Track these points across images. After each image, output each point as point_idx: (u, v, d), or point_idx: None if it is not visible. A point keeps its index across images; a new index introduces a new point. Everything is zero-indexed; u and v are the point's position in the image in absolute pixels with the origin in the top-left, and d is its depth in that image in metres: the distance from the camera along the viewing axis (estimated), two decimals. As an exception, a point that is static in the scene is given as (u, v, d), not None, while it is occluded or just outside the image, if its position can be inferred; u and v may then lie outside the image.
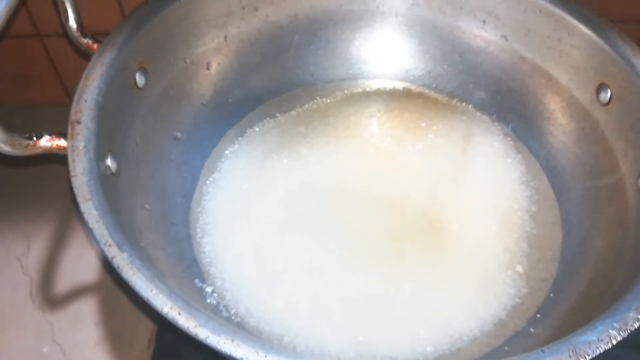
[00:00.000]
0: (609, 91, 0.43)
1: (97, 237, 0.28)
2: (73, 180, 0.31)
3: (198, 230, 0.44)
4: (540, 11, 0.47)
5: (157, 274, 0.28)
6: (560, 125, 0.48)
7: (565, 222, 0.44)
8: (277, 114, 0.52)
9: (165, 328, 0.45)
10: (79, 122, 0.33)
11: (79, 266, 0.50)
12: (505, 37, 0.50)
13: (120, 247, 0.28)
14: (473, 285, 0.41)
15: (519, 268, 0.42)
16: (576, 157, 0.46)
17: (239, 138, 0.50)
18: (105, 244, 0.28)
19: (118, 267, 0.27)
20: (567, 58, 0.46)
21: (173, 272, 0.38)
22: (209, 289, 0.40)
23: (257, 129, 0.51)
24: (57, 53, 0.57)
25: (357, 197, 0.46)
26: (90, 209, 0.29)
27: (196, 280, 0.40)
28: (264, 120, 0.52)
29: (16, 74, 0.59)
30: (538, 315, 0.38)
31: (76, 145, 0.32)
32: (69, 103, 0.62)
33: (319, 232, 0.44)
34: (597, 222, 0.41)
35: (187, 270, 0.40)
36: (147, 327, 0.46)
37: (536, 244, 0.43)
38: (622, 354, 0.41)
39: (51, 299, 0.48)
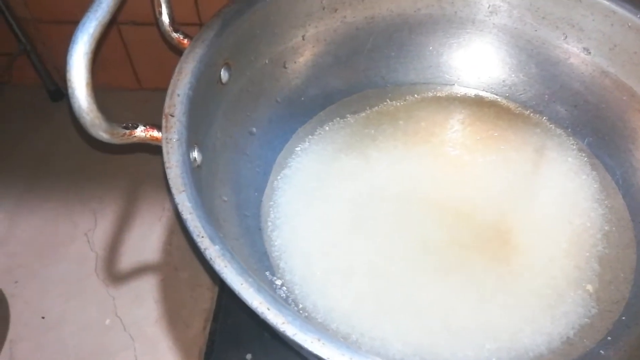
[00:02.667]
0: (698, 113, 0.41)
1: (191, 228, 0.29)
2: (168, 171, 0.32)
3: (269, 223, 0.45)
4: (629, 26, 0.45)
5: (246, 268, 0.29)
6: (640, 144, 0.46)
7: (640, 244, 0.43)
8: (347, 115, 0.53)
9: (224, 313, 0.46)
10: (172, 115, 0.35)
11: (141, 246, 0.52)
12: (587, 50, 0.49)
13: (212, 240, 0.29)
14: (540, 301, 0.41)
15: (589, 287, 0.41)
16: (656, 178, 0.44)
17: (310, 136, 0.51)
18: (198, 236, 0.29)
19: (210, 258, 0.28)
20: (654, 76, 0.45)
21: (247, 263, 0.39)
22: (278, 282, 0.41)
23: (327, 128, 0.52)
24: (131, 41, 0.60)
25: (425, 203, 0.46)
26: (184, 200, 0.30)
27: (267, 273, 0.41)
28: (334, 120, 0.52)
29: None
30: (609, 338, 0.38)
31: (170, 137, 0.34)
32: (138, 88, 0.65)
33: (386, 236, 0.45)
34: (676, 247, 0.40)
35: (259, 262, 0.41)
36: (203, 308, 0.48)
37: (608, 264, 0.43)
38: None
39: (114, 274, 0.50)
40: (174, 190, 0.31)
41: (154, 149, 0.35)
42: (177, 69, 0.38)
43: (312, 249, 0.44)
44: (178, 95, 0.36)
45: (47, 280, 0.50)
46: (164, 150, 0.33)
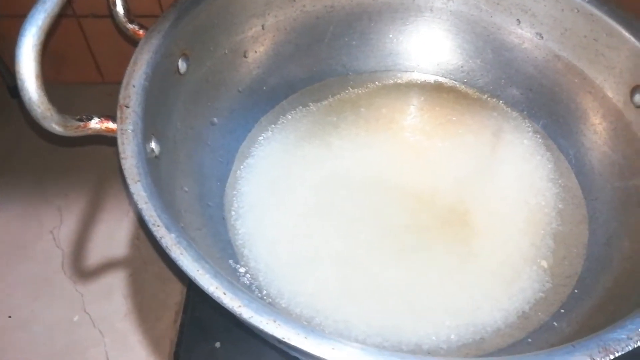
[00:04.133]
0: (644, 93, 0.43)
1: (146, 217, 0.29)
2: (123, 162, 0.32)
3: (232, 213, 0.45)
4: (578, 11, 0.47)
5: (202, 254, 0.29)
6: (591, 125, 0.48)
7: (591, 221, 0.44)
8: (310, 103, 0.53)
9: (193, 305, 0.47)
10: (127, 106, 0.35)
11: (109, 241, 0.52)
12: (540, 35, 0.50)
13: (168, 228, 0.29)
14: (498, 279, 0.42)
15: (544, 263, 0.43)
16: (606, 156, 0.46)
17: (272, 125, 0.51)
18: (154, 225, 0.29)
19: (166, 247, 0.29)
20: (602, 58, 0.47)
21: (209, 252, 0.39)
22: (242, 270, 0.42)
23: (289, 117, 0.52)
24: (93, 34, 0.59)
25: (386, 188, 0.47)
26: (139, 190, 0.31)
27: (230, 261, 0.41)
28: (297, 109, 0.53)
29: (52, 54, 0.60)
30: (562, 310, 0.39)
31: (125, 128, 0.34)
32: (101, 82, 0.64)
33: (348, 221, 0.45)
34: (625, 222, 0.42)
35: (222, 251, 0.42)
36: (174, 301, 0.48)
37: (562, 241, 0.44)
38: None
39: (82, 271, 0.50)
40: (129, 180, 0.31)
41: (113, 141, 0.35)
42: (132, 60, 0.38)
43: (276, 236, 0.44)
44: (133, 86, 0.36)
45: (14, 280, 0.49)
46: (119, 141, 0.33)
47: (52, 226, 0.53)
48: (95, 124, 0.35)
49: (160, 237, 0.29)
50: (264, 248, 0.43)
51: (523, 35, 0.51)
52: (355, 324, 0.39)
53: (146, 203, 0.30)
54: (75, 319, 0.47)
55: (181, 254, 0.28)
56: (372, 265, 0.43)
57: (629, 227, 0.41)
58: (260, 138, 0.51)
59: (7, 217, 0.53)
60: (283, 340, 0.26)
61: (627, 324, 0.27)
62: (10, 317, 0.47)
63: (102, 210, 0.54)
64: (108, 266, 0.50)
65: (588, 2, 0.46)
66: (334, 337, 0.25)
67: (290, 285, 0.41)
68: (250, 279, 0.41)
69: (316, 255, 0.43)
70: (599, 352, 0.26)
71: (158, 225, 0.29)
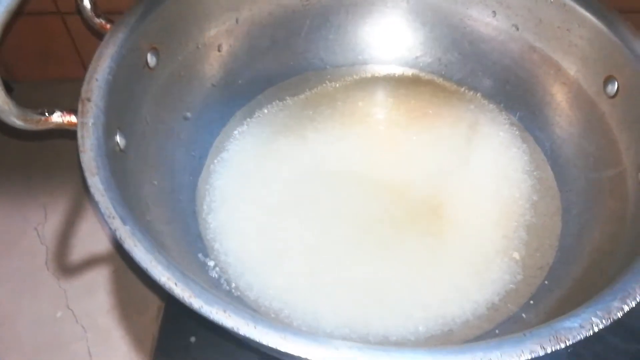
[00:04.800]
0: (616, 83, 0.43)
1: (102, 210, 0.29)
2: (81, 155, 0.32)
3: (204, 207, 0.45)
4: (551, 1, 0.46)
5: (157, 246, 0.29)
6: (566, 116, 0.48)
7: (565, 212, 0.44)
8: (286, 97, 0.53)
9: (172, 301, 0.46)
10: (89, 100, 0.35)
11: (93, 237, 0.52)
12: (516, 27, 0.50)
13: (123, 220, 0.29)
14: (469, 270, 0.42)
15: (516, 255, 0.43)
16: (581, 148, 0.46)
17: (248, 119, 0.51)
18: (109, 217, 0.29)
19: (120, 238, 0.28)
20: (576, 49, 0.46)
21: (177, 245, 0.39)
22: (211, 263, 0.41)
23: (265, 110, 0.52)
24: (77, 30, 0.59)
25: (360, 181, 0.47)
26: (96, 183, 0.31)
27: (199, 255, 0.41)
28: (273, 103, 0.53)
29: (37, 51, 0.60)
30: (531, 302, 0.39)
31: (85, 122, 0.34)
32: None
33: (321, 214, 0.45)
34: (597, 213, 0.41)
35: (192, 244, 0.42)
36: (156, 297, 0.48)
37: (535, 233, 0.44)
38: (622, 345, 0.42)
39: (66, 267, 0.50)
40: (86, 173, 0.31)
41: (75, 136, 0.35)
42: (96, 54, 0.38)
43: (248, 230, 0.44)
44: (96, 80, 0.36)
45: (-3, 276, 0.49)
46: (79, 134, 0.33)
47: (37, 223, 0.53)
48: (58, 117, 0.35)
49: (115, 229, 0.29)
50: (234, 242, 0.43)
51: (499, 27, 0.51)
52: (323, 316, 0.39)
53: (102, 196, 0.30)
54: (59, 314, 0.47)
55: (135, 245, 0.28)
56: (343, 258, 0.43)
57: (600, 219, 0.41)
58: (235, 132, 0.50)
59: (-9, 214, 0.53)
60: (233, 329, 0.26)
61: (581, 313, 0.27)
62: (-6, 313, 0.47)
63: (86, 207, 0.54)
64: (91, 263, 0.51)
65: (560, -8, 0.46)
66: (283, 326, 0.25)
67: (259, 278, 0.41)
68: (219, 272, 0.41)
69: (287, 248, 0.43)
70: (550, 341, 0.26)
71: (113, 217, 0.29)
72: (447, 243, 0.43)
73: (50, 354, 0.45)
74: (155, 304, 0.48)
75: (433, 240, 0.44)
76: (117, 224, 0.29)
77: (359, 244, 0.44)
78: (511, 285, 0.41)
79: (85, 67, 0.62)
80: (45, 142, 0.58)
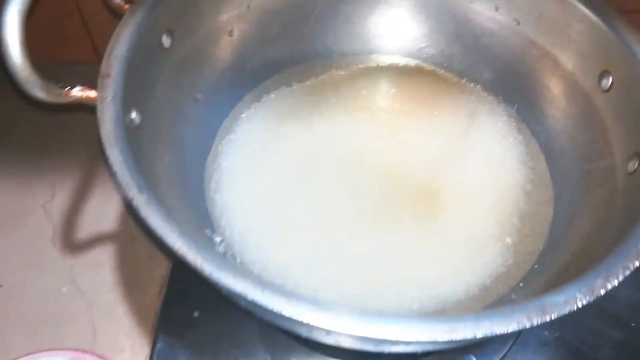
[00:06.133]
0: (610, 78, 0.44)
1: (120, 179, 0.31)
2: (101, 128, 0.34)
3: (212, 185, 0.47)
4: (552, -4, 0.48)
5: (171, 216, 0.31)
6: (562, 110, 0.49)
7: (557, 201, 0.46)
8: (293, 83, 0.55)
9: (176, 277, 0.48)
10: (108, 76, 0.36)
11: (100, 215, 0.53)
12: (517, 21, 0.52)
13: (140, 189, 0.31)
14: (463, 253, 0.44)
15: (508, 240, 0.45)
16: (574, 140, 0.48)
17: (255, 103, 0.53)
18: (126, 186, 0.31)
19: (137, 206, 0.30)
20: (574, 44, 0.48)
21: (186, 220, 0.41)
22: (218, 239, 0.43)
23: (272, 95, 0.54)
24: (90, 13, 0.60)
25: (361, 165, 0.49)
26: (115, 154, 0.32)
27: (207, 230, 0.43)
28: (280, 88, 0.54)
29: (49, 32, 0.61)
30: (521, 284, 0.41)
31: (105, 96, 0.35)
32: (98, 62, 0.66)
33: (323, 195, 0.47)
34: (587, 202, 0.43)
35: (199, 220, 0.43)
36: (159, 275, 0.50)
37: (527, 220, 0.46)
38: (607, 330, 0.44)
39: (72, 244, 0.51)
40: (105, 144, 0.33)
41: (91, 110, 0.37)
42: (115, 33, 0.39)
43: (254, 208, 0.46)
44: (115, 57, 0.38)
45: (5, 251, 0.51)
46: (98, 108, 0.35)
47: (45, 200, 0.54)
48: (78, 91, 0.36)
49: (132, 197, 0.30)
50: (240, 219, 0.45)
51: (501, 22, 0.53)
52: (323, 291, 0.41)
53: (121, 165, 0.32)
54: (64, 289, 0.49)
55: (151, 213, 0.30)
56: (343, 237, 0.44)
57: (590, 208, 0.42)
58: (243, 115, 0.52)
59: (0, 191, 0.54)
60: (241, 294, 0.28)
61: (565, 290, 0.29)
62: (1, 286, 0.49)
63: (93, 186, 0.55)
64: (97, 240, 0.52)
65: (560, -13, 0.47)
66: (290, 292, 0.27)
67: (263, 254, 0.43)
68: (225, 247, 0.43)
69: (289, 226, 0.45)
70: (536, 313, 0.28)
71: (130, 186, 0.31)
72: (442, 226, 0.45)
73: (55, 327, 0.47)
74: (158, 282, 0.49)
75: (429, 223, 0.46)
76: (133, 192, 0.31)
77: (359, 224, 0.45)
78: (503, 269, 0.43)
79: (96, 51, 0.64)
80: (58, 117, 0.60)
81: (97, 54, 0.64)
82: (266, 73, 0.54)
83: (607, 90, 0.45)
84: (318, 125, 0.52)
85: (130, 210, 0.52)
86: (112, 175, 0.32)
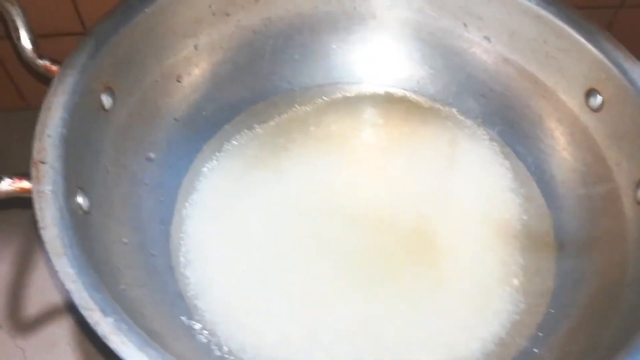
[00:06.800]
0: (600, 97, 0.42)
1: (77, 300, 0.25)
2: (42, 233, 0.27)
3: (181, 259, 0.41)
4: (525, 13, 0.45)
5: (147, 338, 0.25)
6: (548, 130, 0.47)
7: (559, 232, 0.43)
8: (255, 125, 0.49)
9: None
10: (43, 162, 0.30)
11: (50, 286, 0.47)
12: (488, 39, 0.49)
13: (103, 310, 0.25)
14: (471, 303, 0.40)
15: (515, 281, 0.41)
16: (566, 163, 0.45)
17: (217, 153, 0.47)
18: (86, 309, 0.25)
19: (103, 335, 0.24)
20: (553, 61, 0.45)
21: (156, 311, 0.35)
22: (197, 326, 0.38)
23: (234, 142, 0.48)
24: (7, 55, 0.52)
25: (343, 214, 0.44)
26: (65, 266, 0.26)
27: (183, 318, 0.37)
28: (242, 133, 0.49)
29: None
30: (540, 334, 0.38)
31: (42, 189, 0.29)
32: (23, 107, 0.58)
33: (307, 254, 0.42)
34: (593, 233, 0.41)
35: (172, 306, 0.38)
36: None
37: (530, 256, 0.43)
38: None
39: (21, 323, 0.45)
40: (52, 256, 0.26)
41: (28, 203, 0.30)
42: (44, 105, 0.33)
43: (231, 281, 0.41)
44: (49, 136, 0.31)
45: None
46: (36, 206, 0.28)
47: None
48: (8, 186, 0.29)
49: (95, 324, 0.24)
50: (218, 297, 0.39)
51: (471, 39, 0.49)
52: (326, 371, 0.36)
53: (74, 282, 0.25)
54: (19, 380, 0.42)
55: (122, 342, 0.24)
56: (336, 302, 0.40)
57: (598, 239, 0.40)
58: (204, 169, 0.46)
59: None
60: None
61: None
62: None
63: (38, 251, 0.48)
64: (50, 314, 0.46)
65: (535, 3, 0.44)
66: None
67: (251, 337, 0.38)
68: (207, 335, 0.37)
69: (276, 298, 0.40)
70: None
71: (91, 309, 0.25)
72: (444, 274, 0.41)
73: None
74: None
75: (429, 272, 0.42)
76: (97, 316, 0.25)
77: (351, 284, 0.41)
78: (515, 316, 0.39)
79: (20, 95, 0.56)
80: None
81: (24, 98, 0.57)
82: (224, 118, 0.49)
83: (598, 110, 0.42)
84: (289, 172, 0.47)
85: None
86: (66, 292, 0.25)
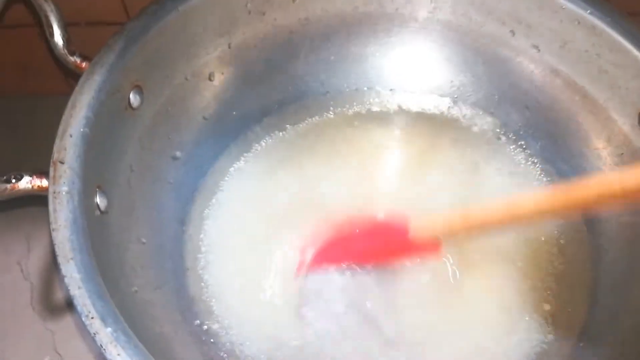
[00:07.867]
0: (655, 118, 0.39)
1: (79, 307, 0.25)
2: (54, 235, 0.27)
3: (200, 260, 0.41)
4: (578, 22, 0.42)
5: (145, 352, 0.25)
6: (594, 149, 0.44)
7: (596, 260, 0.40)
8: (286, 126, 0.49)
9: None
10: (62, 162, 0.30)
11: None
12: (537, 48, 0.46)
13: (103, 320, 0.25)
14: (496, 328, 0.38)
15: (547, 307, 0.39)
16: (611, 186, 0.42)
17: (245, 154, 0.47)
18: (87, 316, 0.25)
19: (101, 345, 0.24)
20: (605, 76, 0.42)
21: (170, 315, 0.35)
22: (210, 330, 0.37)
23: (263, 143, 0.48)
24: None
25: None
26: (71, 271, 0.26)
27: (196, 322, 0.37)
28: (271, 134, 0.48)
29: (15, 64, 0.55)
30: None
31: (58, 190, 0.29)
32: (69, 92, 0.60)
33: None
34: (634, 264, 0.37)
35: (186, 310, 0.37)
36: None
37: (565, 282, 0.40)
38: None
39: (52, 306, 0.46)
40: (60, 259, 0.26)
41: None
42: (69, 103, 0.33)
43: (249, 286, 0.40)
44: (70, 136, 0.31)
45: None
46: (50, 206, 0.29)
47: (20, 256, 0.49)
48: (26, 184, 0.30)
49: (95, 333, 0.24)
50: (235, 300, 0.39)
51: (517, 47, 0.47)
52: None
53: (79, 288, 0.25)
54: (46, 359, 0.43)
55: (118, 354, 0.24)
56: (358, 309, 0.38)
57: (636, 271, 0.37)
58: (232, 169, 0.46)
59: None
60: None
61: None
62: (-22, 358, 0.44)
63: None
64: None
65: (590, 13, 0.41)
66: None
67: (270, 341, 0.37)
68: (222, 343, 0.37)
69: (297, 302, 0.39)
70: None
71: (92, 317, 0.25)
72: (470, 298, 0.39)
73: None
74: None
75: (452, 296, 0.40)
76: (96, 326, 0.24)
77: (375, 302, 0.40)
78: (543, 346, 0.37)
79: (66, 82, 0.58)
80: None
81: (69, 85, 0.58)
82: (254, 118, 0.48)
83: (652, 132, 0.39)
84: (316, 177, 0.46)
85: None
86: (70, 297, 0.26)
